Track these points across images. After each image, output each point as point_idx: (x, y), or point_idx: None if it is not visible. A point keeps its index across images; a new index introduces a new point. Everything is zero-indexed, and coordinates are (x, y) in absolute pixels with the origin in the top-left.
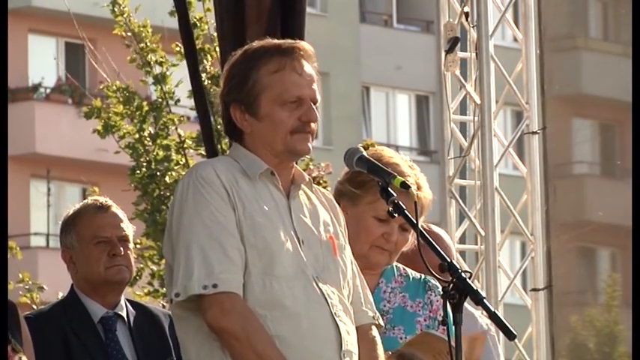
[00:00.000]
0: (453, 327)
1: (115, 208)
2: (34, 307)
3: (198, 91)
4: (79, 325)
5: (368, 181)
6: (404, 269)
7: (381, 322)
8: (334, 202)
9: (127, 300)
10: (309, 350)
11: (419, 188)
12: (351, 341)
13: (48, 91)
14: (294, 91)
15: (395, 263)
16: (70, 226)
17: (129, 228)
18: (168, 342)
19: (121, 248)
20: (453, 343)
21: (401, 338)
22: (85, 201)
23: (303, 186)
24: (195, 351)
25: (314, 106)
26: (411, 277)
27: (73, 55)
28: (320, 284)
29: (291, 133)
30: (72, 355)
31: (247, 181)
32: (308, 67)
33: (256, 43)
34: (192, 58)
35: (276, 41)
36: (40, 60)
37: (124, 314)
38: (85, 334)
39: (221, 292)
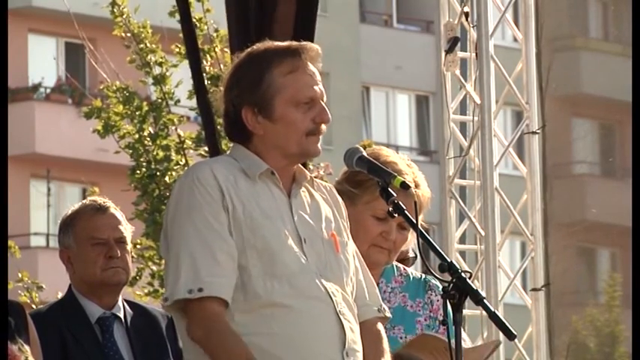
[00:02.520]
0: (453, 327)
1: (114, 209)
2: (34, 306)
3: (200, 91)
4: (76, 326)
5: (366, 181)
6: (404, 269)
7: (388, 314)
8: (337, 196)
9: (125, 300)
10: (312, 349)
11: (417, 186)
12: (354, 339)
13: (48, 91)
14: (307, 92)
15: (395, 263)
16: (69, 226)
17: (127, 229)
18: (166, 343)
19: (118, 250)
20: (452, 343)
21: (401, 338)
22: (84, 201)
23: (304, 183)
24: (194, 352)
25: (326, 107)
26: (411, 277)
27: (73, 55)
28: (323, 282)
29: (307, 135)
30: (68, 355)
31: (247, 180)
32: (314, 68)
33: (260, 45)
34: (195, 58)
35: (282, 43)
36: (40, 60)
37: (122, 315)
38: (82, 334)
39: (206, 296)
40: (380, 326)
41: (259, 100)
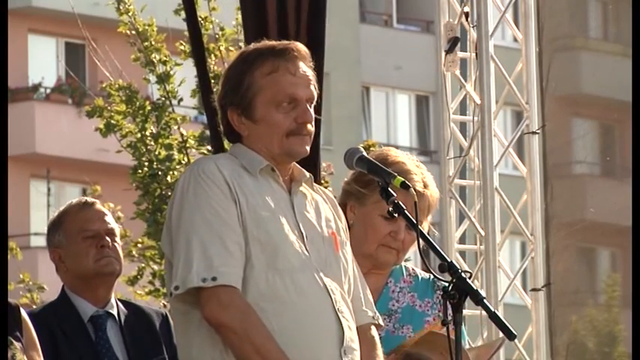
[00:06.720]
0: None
1: (99, 205)
2: (34, 307)
3: (205, 90)
4: (68, 325)
5: (374, 180)
6: (412, 269)
7: (381, 322)
8: (335, 200)
9: (119, 300)
10: (309, 345)
11: (425, 187)
12: (352, 337)
13: (48, 91)
14: (288, 91)
15: (403, 263)
16: (57, 225)
17: (114, 223)
18: (160, 340)
19: (108, 239)
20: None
21: (409, 337)
22: (70, 201)
23: (303, 183)
24: (197, 346)
25: (310, 107)
26: (419, 277)
27: (73, 55)
28: (323, 278)
29: (287, 136)
30: (60, 354)
31: (249, 176)
32: (303, 67)
33: (252, 46)
34: (201, 56)
35: (270, 43)
36: (40, 60)
37: (115, 313)
38: (74, 333)
39: (220, 285)
40: (374, 332)
41: (241, 102)
